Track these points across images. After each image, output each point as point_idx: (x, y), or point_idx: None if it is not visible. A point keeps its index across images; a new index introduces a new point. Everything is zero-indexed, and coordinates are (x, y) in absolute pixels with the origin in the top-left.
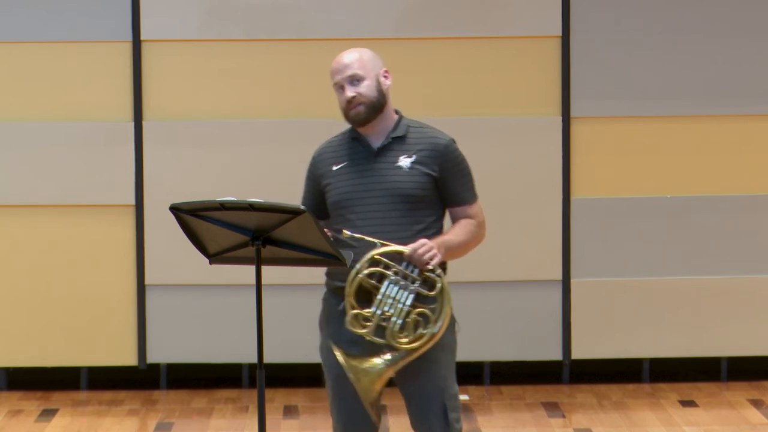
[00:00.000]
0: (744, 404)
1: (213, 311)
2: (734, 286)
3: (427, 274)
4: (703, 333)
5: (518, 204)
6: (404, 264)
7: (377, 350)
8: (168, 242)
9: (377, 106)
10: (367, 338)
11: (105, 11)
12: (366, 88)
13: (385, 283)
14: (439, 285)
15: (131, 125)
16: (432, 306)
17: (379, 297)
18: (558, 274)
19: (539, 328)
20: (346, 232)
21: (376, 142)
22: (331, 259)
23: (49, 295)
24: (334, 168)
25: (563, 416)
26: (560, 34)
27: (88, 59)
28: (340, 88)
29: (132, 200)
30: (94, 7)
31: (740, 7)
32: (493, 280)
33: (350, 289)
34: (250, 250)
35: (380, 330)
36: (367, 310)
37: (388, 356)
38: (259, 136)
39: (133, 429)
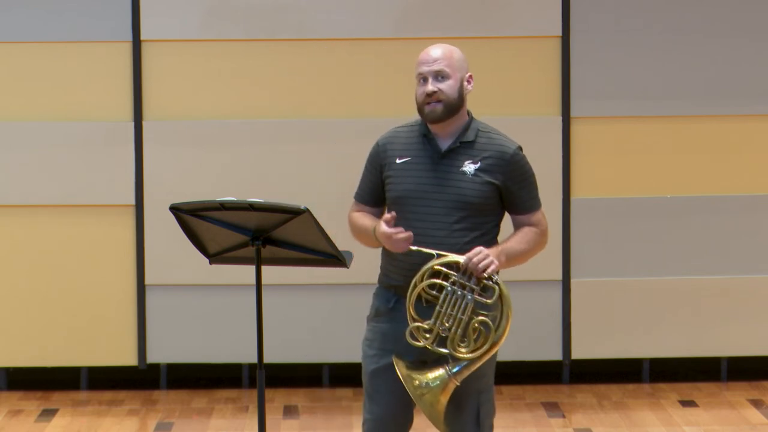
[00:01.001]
0: (744, 404)
1: (213, 311)
2: (734, 286)
3: (485, 282)
4: (703, 333)
5: None
6: (461, 273)
7: (429, 353)
8: (168, 242)
9: (454, 107)
10: (430, 349)
11: (105, 11)
12: (448, 87)
13: (443, 294)
14: (497, 292)
15: (131, 125)
16: (493, 313)
17: (438, 308)
18: (558, 274)
19: (539, 328)
20: None
21: (444, 144)
22: (331, 259)
23: (49, 295)
24: (398, 161)
25: (563, 416)
26: (560, 34)
27: (88, 59)
28: (422, 79)
29: (132, 200)
30: (94, 7)
31: (740, 7)
32: None
33: (410, 302)
34: (250, 250)
35: (441, 340)
36: (428, 322)
37: (450, 366)
38: (259, 136)
39: (133, 429)
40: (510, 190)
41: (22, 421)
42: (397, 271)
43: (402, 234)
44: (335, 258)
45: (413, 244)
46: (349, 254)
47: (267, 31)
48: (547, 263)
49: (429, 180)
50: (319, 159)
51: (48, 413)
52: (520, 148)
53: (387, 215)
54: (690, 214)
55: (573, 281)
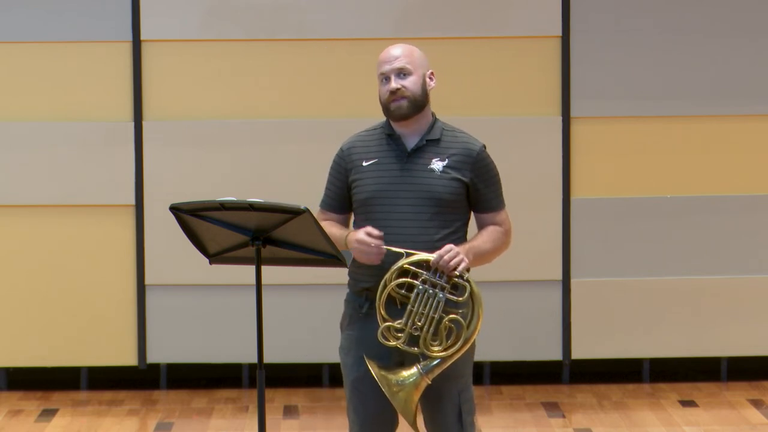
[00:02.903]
0: (744, 404)
1: (213, 311)
2: (734, 286)
3: (456, 279)
4: (703, 333)
5: (518, 204)
6: (432, 271)
7: (405, 355)
8: (168, 242)
9: (419, 103)
10: (401, 348)
11: (105, 11)
12: (411, 84)
13: (414, 292)
14: (467, 290)
15: (131, 125)
16: (463, 311)
17: (409, 307)
18: (558, 274)
19: (539, 328)
20: None
21: (411, 143)
22: (331, 259)
23: (49, 295)
24: (364, 164)
25: (563, 416)
26: (560, 34)
27: (88, 59)
28: (385, 79)
29: (132, 200)
30: (94, 7)
31: (740, 7)
32: (493, 280)
33: (380, 301)
34: (250, 250)
35: (413, 339)
36: (399, 321)
37: (422, 365)
38: (259, 136)
39: (133, 429)
40: (476, 187)
41: (22, 421)
42: (367, 274)
43: (375, 249)
44: (335, 258)
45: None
46: (349, 254)
47: (267, 31)
48: (547, 263)
49: (398, 179)
50: (319, 159)
51: (48, 413)
52: (485, 147)
53: (373, 230)
54: (690, 214)
55: (573, 281)
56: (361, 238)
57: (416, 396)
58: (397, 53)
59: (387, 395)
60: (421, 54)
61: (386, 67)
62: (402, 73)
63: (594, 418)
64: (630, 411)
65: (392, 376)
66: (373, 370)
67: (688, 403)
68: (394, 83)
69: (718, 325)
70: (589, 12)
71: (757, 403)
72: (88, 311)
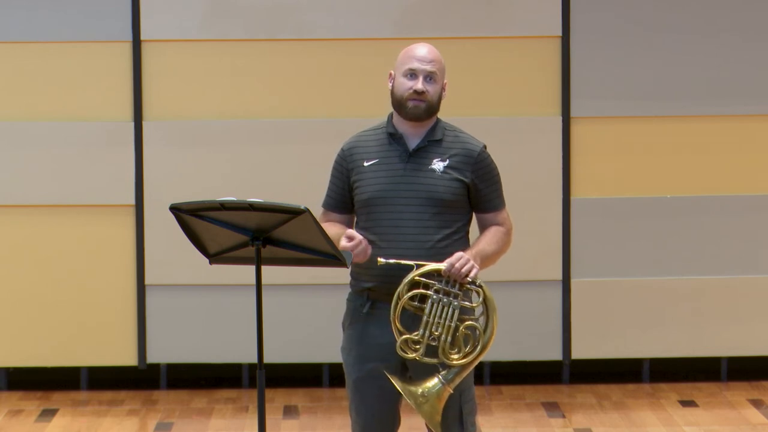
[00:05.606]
0: (744, 404)
1: (213, 311)
2: (734, 286)
3: (468, 286)
4: (703, 333)
5: (518, 204)
6: (443, 281)
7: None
8: (168, 242)
9: (433, 111)
10: (419, 360)
11: (105, 11)
12: (434, 91)
13: (428, 303)
14: (481, 296)
15: (131, 125)
16: (478, 317)
17: (425, 318)
18: (558, 274)
19: (539, 328)
20: (381, 259)
21: (413, 143)
22: (332, 259)
23: (49, 295)
24: (366, 164)
25: (563, 416)
26: (560, 34)
27: (88, 59)
28: (411, 74)
29: (132, 200)
30: (94, 7)
31: (740, 7)
32: (493, 280)
33: (395, 315)
34: (250, 250)
35: (431, 349)
36: (416, 333)
37: (443, 374)
38: (259, 136)
39: (133, 429)
40: (477, 187)
41: (22, 421)
42: (368, 274)
43: (359, 248)
44: (335, 258)
45: (390, 257)
46: (349, 254)
47: (267, 31)
48: (547, 263)
49: (399, 179)
50: (319, 159)
51: (48, 413)
52: (485, 147)
53: (349, 231)
54: (690, 214)
55: (573, 281)
56: (343, 245)
57: (440, 406)
58: (431, 57)
59: (414, 407)
60: (445, 64)
61: (418, 65)
62: (430, 77)
63: (594, 418)
64: (630, 411)
65: (415, 389)
66: (397, 384)
67: (688, 403)
68: (422, 85)
69: (718, 325)
70: (589, 12)
71: (757, 403)
72: (88, 311)
